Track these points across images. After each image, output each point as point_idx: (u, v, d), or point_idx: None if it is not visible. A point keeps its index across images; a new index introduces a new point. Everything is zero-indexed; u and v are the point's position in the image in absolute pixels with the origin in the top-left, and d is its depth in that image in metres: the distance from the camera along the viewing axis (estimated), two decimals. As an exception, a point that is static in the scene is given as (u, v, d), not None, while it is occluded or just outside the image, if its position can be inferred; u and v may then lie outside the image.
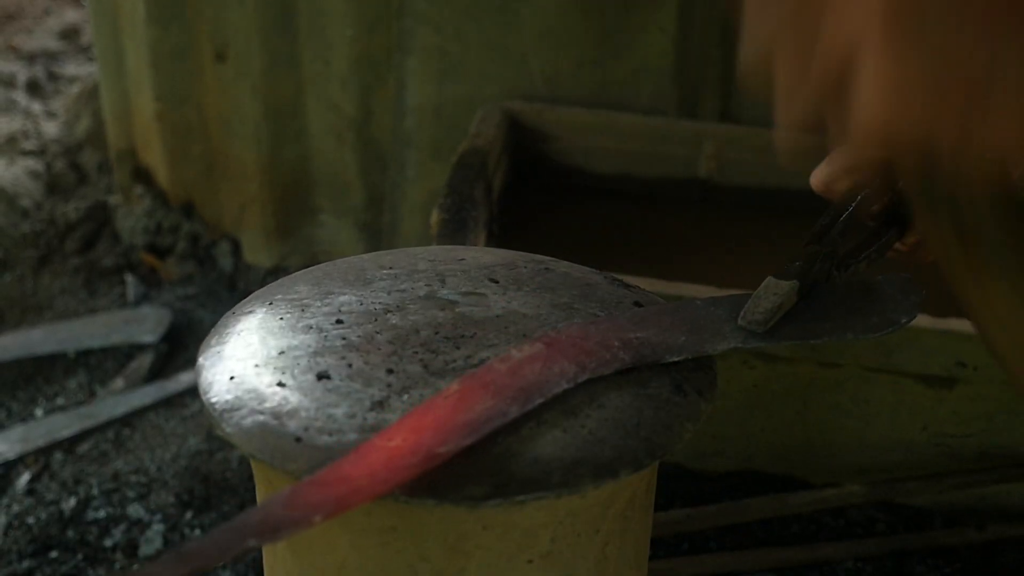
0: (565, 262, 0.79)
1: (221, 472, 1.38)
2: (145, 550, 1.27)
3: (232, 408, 0.63)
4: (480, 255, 0.79)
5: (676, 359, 0.67)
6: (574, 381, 0.64)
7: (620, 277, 0.78)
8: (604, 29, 1.47)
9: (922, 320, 1.12)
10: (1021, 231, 0.52)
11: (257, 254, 1.77)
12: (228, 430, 0.62)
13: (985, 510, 1.26)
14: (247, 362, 0.66)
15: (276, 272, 1.74)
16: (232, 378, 0.65)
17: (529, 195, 1.49)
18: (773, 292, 0.68)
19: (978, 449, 1.22)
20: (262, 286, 0.75)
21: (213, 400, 0.64)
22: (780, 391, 1.23)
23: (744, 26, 0.55)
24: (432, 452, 0.58)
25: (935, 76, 0.49)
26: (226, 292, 1.74)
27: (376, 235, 1.72)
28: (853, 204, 0.68)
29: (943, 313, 1.11)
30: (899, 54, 0.49)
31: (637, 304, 0.73)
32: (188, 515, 1.32)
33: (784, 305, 0.68)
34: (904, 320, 0.69)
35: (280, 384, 0.64)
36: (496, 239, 1.26)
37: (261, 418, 0.62)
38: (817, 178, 0.65)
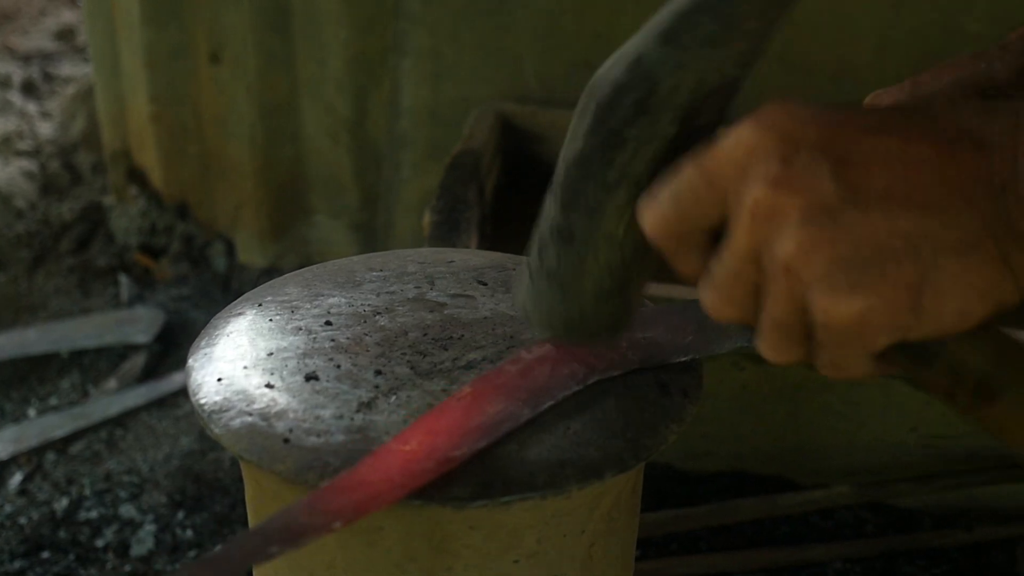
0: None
1: (213, 472, 1.39)
2: (137, 550, 1.28)
3: (221, 409, 0.64)
4: (469, 257, 0.79)
5: (684, 359, 0.68)
6: (583, 382, 0.65)
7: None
8: (597, 31, 1.47)
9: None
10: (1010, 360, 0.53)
11: (251, 255, 1.78)
12: (217, 431, 0.63)
13: (974, 511, 1.26)
14: (236, 363, 0.67)
15: (270, 273, 1.74)
16: (220, 380, 0.65)
17: (522, 197, 1.49)
18: None
19: (967, 451, 1.23)
20: (256, 287, 0.76)
21: (202, 401, 0.65)
22: (770, 393, 1.24)
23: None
24: (447, 456, 0.59)
25: (864, 259, 0.49)
26: (220, 293, 1.74)
27: (371, 236, 1.73)
28: None
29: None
30: (822, 249, 0.50)
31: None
32: (180, 515, 1.32)
33: None
34: None
35: (269, 385, 0.64)
36: (488, 240, 1.27)
37: (249, 419, 0.63)
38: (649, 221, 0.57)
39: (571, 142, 0.57)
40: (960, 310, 0.50)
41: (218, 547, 0.58)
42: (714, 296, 0.55)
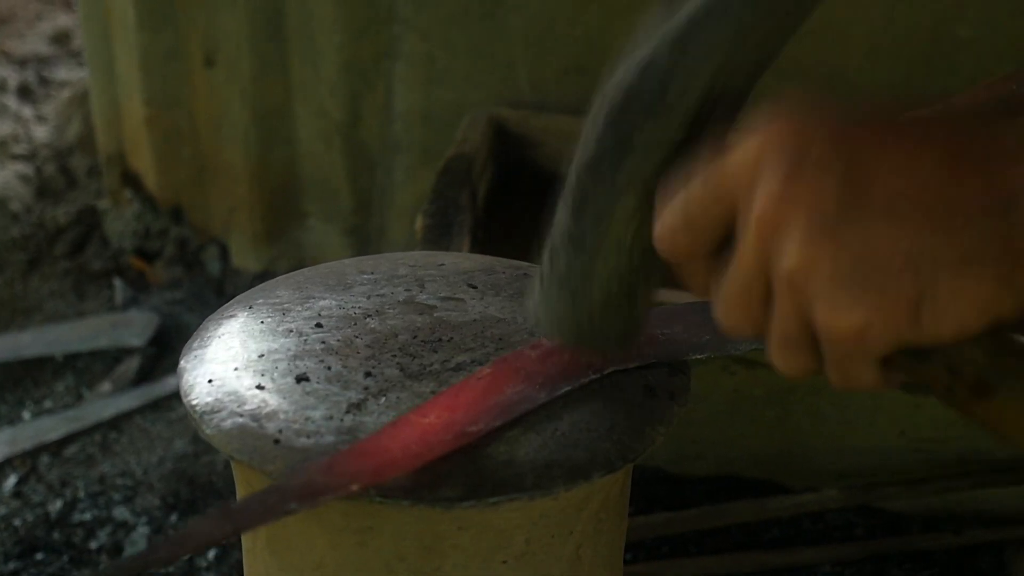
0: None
1: (206, 475, 1.39)
2: (130, 552, 1.28)
3: (212, 410, 0.64)
4: (460, 260, 0.80)
5: (700, 356, 0.69)
6: (600, 371, 0.66)
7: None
8: (590, 37, 1.48)
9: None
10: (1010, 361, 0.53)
11: (245, 258, 1.78)
12: (208, 432, 0.64)
13: (962, 514, 1.27)
14: (228, 365, 0.67)
15: (264, 276, 1.75)
16: (212, 381, 0.66)
17: (514, 201, 1.50)
18: None
19: (955, 454, 1.24)
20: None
21: (194, 402, 0.65)
22: (760, 396, 1.24)
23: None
24: (464, 430, 0.61)
25: (865, 272, 0.50)
26: (214, 296, 1.75)
27: (364, 239, 1.73)
28: None
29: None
30: (825, 261, 0.50)
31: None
32: (173, 517, 1.33)
33: None
34: None
35: (260, 387, 0.65)
36: (481, 244, 1.27)
37: (241, 420, 0.63)
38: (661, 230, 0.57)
39: (583, 148, 0.58)
40: (958, 325, 0.50)
41: (237, 501, 0.59)
42: (725, 309, 0.55)
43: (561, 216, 0.60)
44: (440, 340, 0.70)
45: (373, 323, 0.71)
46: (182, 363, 0.69)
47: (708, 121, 0.56)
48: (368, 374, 0.66)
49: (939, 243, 0.49)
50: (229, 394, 0.65)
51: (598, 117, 0.57)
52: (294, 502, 0.58)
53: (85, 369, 1.60)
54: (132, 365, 1.59)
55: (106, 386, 1.56)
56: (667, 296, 1.13)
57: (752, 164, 0.52)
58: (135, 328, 1.64)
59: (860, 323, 0.50)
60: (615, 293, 0.60)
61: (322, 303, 0.73)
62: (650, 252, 0.58)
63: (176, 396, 1.53)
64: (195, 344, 0.71)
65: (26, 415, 1.52)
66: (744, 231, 0.52)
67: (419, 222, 1.23)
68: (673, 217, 0.55)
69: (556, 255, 0.60)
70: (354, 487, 0.58)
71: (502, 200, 1.47)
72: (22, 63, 2.37)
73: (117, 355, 1.61)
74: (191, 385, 0.67)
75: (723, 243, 0.55)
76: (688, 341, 0.69)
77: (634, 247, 0.58)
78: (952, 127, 0.53)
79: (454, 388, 0.64)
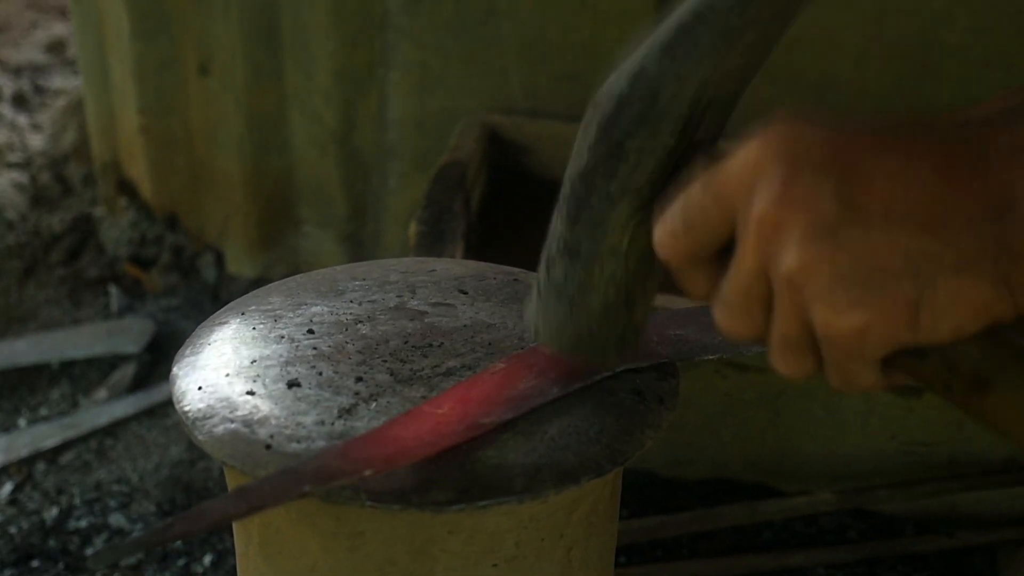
0: (535, 273, 0.81)
1: (202, 482, 1.40)
2: (126, 559, 1.28)
3: (204, 416, 0.65)
4: (451, 267, 0.81)
5: (711, 357, 0.69)
6: (612, 370, 0.67)
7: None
8: (583, 44, 1.49)
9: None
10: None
11: (241, 265, 1.79)
12: (200, 438, 0.64)
13: (955, 517, 1.28)
14: (220, 371, 0.68)
15: (259, 283, 1.75)
16: (203, 388, 0.67)
17: (508, 207, 1.50)
18: None
19: (948, 457, 1.24)
20: (244, 297, 0.77)
21: (186, 408, 0.66)
22: (752, 400, 1.25)
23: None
24: (476, 422, 0.62)
25: (864, 277, 0.51)
26: (209, 303, 1.75)
27: (359, 246, 1.74)
28: None
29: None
30: (823, 266, 0.51)
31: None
32: (169, 523, 1.33)
33: None
34: None
35: (251, 393, 0.66)
36: (474, 251, 1.28)
37: (232, 426, 0.64)
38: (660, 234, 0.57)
39: (576, 157, 0.59)
40: (956, 325, 0.51)
41: (252, 482, 0.60)
42: (725, 313, 0.56)
43: (557, 225, 0.61)
44: (431, 345, 0.70)
45: (364, 329, 0.71)
46: (175, 369, 0.70)
47: (699, 127, 0.56)
48: (359, 379, 0.67)
49: (936, 247, 0.50)
50: (221, 400, 0.65)
51: (590, 126, 0.58)
52: (308, 484, 0.58)
53: (81, 376, 1.60)
54: (128, 372, 1.59)
55: (102, 393, 1.57)
56: (673, 302, 1.14)
57: (751, 169, 0.52)
58: (131, 335, 1.65)
59: (860, 324, 0.51)
60: (613, 301, 0.60)
61: (314, 309, 0.73)
62: (647, 258, 0.59)
63: (172, 403, 1.53)
64: (188, 351, 0.71)
65: (22, 422, 1.52)
66: (744, 234, 0.53)
67: (413, 228, 1.24)
68: (673, 222, 0.56)
69: (553, 264, 0.61)
70: (367, 472, 0.59)
71: (496, 206, 1.48)
72: (17, 71, 2.38)
73: (113, 362, 1.62)
74: (183, 391, 0.67)
75: (723, 248, 0.55)
76: (700, 342, 0.70)
77: (630, 253, 0.59)
78: (945, 134, 0.53)
79: (468, 381, 0.65)
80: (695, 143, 0.57)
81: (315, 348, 0.69)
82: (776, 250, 0.52)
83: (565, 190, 0.60)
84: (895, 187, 0.51)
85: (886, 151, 0.52)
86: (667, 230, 0.56)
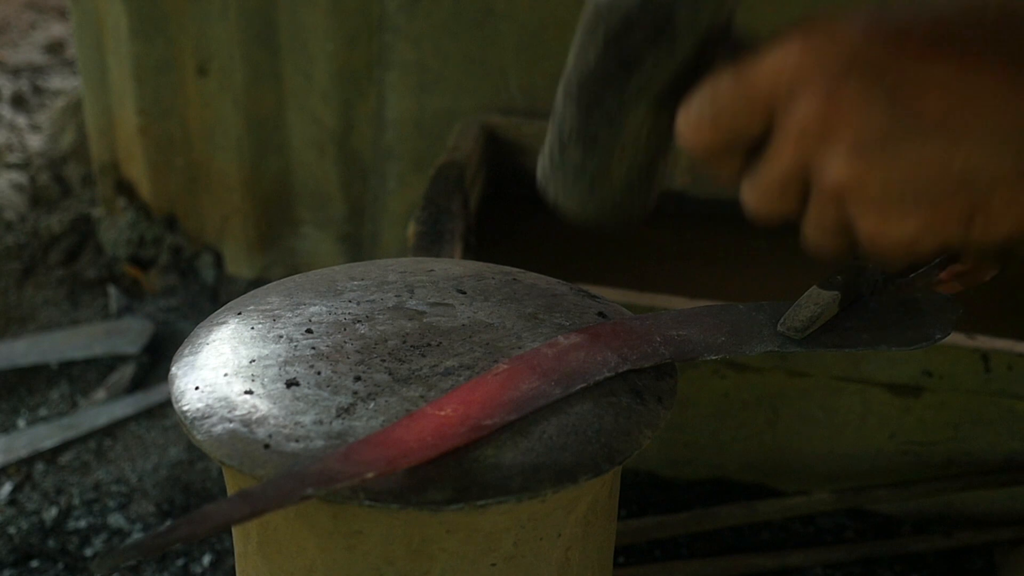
0: (533, 273, 0.81)
1: (201, 482, 1.40)
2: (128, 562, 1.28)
3: (203, 416, 0.65)
4: (449, 267, 0.81)
5: (714, 357, 0.70)
6: (615, 371, 0.67)
7: (587, 288, 0.79)
8: (580, 44, 1.49)
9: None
10: None
11: (239, 265, 1.79)
12: (199, 437, 0.64)
13: (952, 517, 1.28)
14: (218, 371, 0.68)
15: (258, 283, 1.75)
16: (202, 387, 0.67)
17: (506, 207, 1.51)
18: (815, 301, 0.69)
19: (945, 457, 1.25)
20: (242, 297, 0.77)
21: (185, 408, 0.66)
22: (750, 400, 1.25)
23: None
24: (479, 424, 0.62)
25: (918, 189, 0.50)
26: (208, 303, 1.75)
27: (357, 246, 1.74)
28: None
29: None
30: (874, 174, 0.50)
31: (601, 315, 0.75)
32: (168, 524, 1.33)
33: (824, 315, 0.69)
34: (938, 336, 0.70)
35: (250, 392, 0.66)
36: (473, 250, 1.28)
37: (231, 425, 0.64)
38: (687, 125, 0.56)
39: (581, 56, 0.57)
40: (1009, 233, 0.50)
41: (255, 485, 0.60)
42: (756, 198, 0.55)
43: (568, 111, 0.59)
44: (429, 345, 0.70)
45: (363, 329, 0.71)
46: (173, 369, 0.70)
47: (722, 38, 0.55)
48: (358, 379, 0.67)
49: (995, 157, 0.49)
50: (219, 400, 0.65)
51: (595, 35, 0.56)
52: (311, 487, 0.58)
53: (80, 377, 1.60)
54: (127, 372, 1.59)
55: (101, 394, 1.57)
56: (674, 302, 1.14)
57: (791, 72, 0.51)
58: (130, 336, 1.65)
59: (910, 235, 0.51)
60: (635, 179, 0.61)
61: (312, 309, 0.73)
62: (667, 139, 0.58)
63: (170, 403, 1.54)
64: (186, 351, 0.71)
65: (21, 423, 1.52)
66: (785, 134, 0.52)
67: (411, 229, 1.24)
68: (699, 116, 0.55)
69: (567, 148, 0.61)
70: (369, 475, 0.58)
71: (494, 206, 1.48)
72: (16, 72, 2.38)
73: (112, 363, 1.62)
74: (182, 391, 0.67)
75: (753, 141, 0.54)
76: (703, 343, 0.70)
77: (650, 142, 0.59)
78: (1001, 35, 0.51)
79: (470, 383, 0.65)
80: (723, 45, 0.55)
81: (313, 348, 0.69)
82: (821, 158, 0.51)
83: (571, 83, 0.59)
84: (950, 98, 0.49)
85: (939, 58, 0.50)
86: (692, 124, 0.55)
